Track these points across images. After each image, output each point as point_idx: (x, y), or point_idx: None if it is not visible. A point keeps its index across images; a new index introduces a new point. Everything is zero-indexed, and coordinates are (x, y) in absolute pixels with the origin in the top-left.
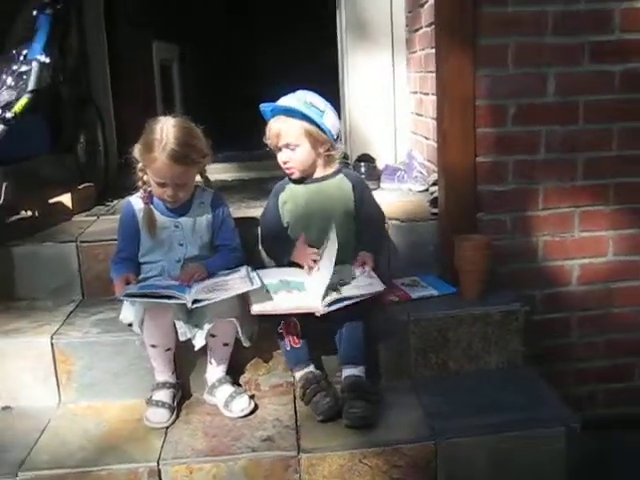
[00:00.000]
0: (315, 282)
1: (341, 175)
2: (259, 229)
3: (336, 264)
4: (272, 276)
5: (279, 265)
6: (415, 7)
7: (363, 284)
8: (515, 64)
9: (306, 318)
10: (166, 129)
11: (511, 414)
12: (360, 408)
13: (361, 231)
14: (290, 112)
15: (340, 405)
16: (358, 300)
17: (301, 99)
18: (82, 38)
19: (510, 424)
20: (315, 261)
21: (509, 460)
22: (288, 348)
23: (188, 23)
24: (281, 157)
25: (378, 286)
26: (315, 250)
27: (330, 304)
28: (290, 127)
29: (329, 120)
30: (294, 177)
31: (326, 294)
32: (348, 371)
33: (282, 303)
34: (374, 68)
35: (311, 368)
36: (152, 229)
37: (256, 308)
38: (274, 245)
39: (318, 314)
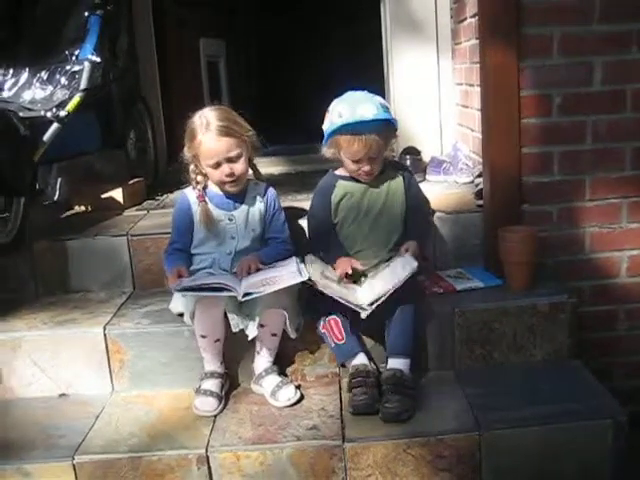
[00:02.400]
0: (366, 288)
1: (391, 167)
2: (307, 227)
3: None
4: (317, 267)
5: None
6: None
7: (398, 269)
8: (560, 53)
9: (348, 312)
10: (204, 114)
11: (556, 406)
12: (395, 403)
13: (407, 220)
14: (376, 124)
15: (376, 403)
16: (398, 286)
17: (376, 104)
18: (132, 37)
19: (555, 416)
20: (347, 275)
21: (554, 452)
22: (333, 345)
23: (234, 18)
24: (363, 168)
25: (409, 266)
26: (355, 262)
27: (372, 304)
28: (377, 143)
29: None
30: (367, 180)
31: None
32: (393, 362)
33: (331, 287)
34: (419, 60)
35: (361, 359)
36: (210, 225)
37: (310, 276)
38: (320, 246)
39: (364, 316)
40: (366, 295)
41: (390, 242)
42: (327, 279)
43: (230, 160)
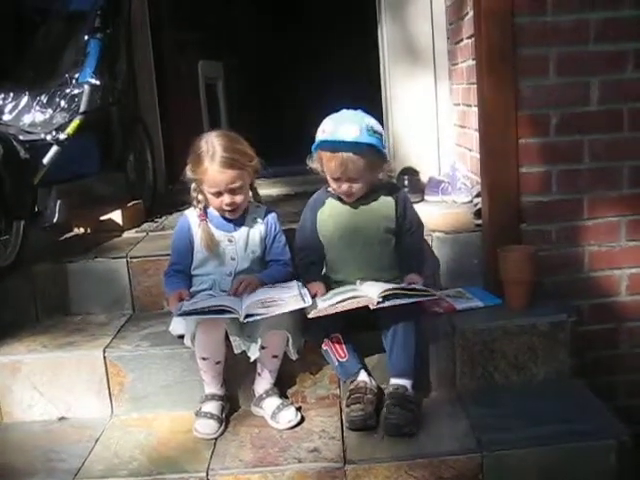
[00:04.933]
0: (371, 287)
1: (384, 189)
2: (295, 242)
3: (376, 280)
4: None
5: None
6: (456, 19)
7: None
8: (557, 73)
9: (350, 330)
10: (211, 141)
11: (559, 426)
12: (396, 415)
13: (403, 248)
14: (357, 146)
15: (373, 419)
16: (412, 301)
17: (362, 125)
18: (131, 60)
19: (558, 436)
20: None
21: (557, 473)
22: (336, 363)
23: (232, 41)
24: (342, 187)
25: (433, 291)
26: (323, 290)
27: (385, 297)
28: (354, 164)
29: (385, 142)
30: (349, 201)
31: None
32: (395, 381)
33: (335, 298)
34: (416, 81)
35: (362, 376)
36: (211, 246)
37: (312, 313)
38: (305, 260)
39: (372, 306)
40: (372, 290)
41: (377, 265)
42: (324, 299)
43: (232, 191)
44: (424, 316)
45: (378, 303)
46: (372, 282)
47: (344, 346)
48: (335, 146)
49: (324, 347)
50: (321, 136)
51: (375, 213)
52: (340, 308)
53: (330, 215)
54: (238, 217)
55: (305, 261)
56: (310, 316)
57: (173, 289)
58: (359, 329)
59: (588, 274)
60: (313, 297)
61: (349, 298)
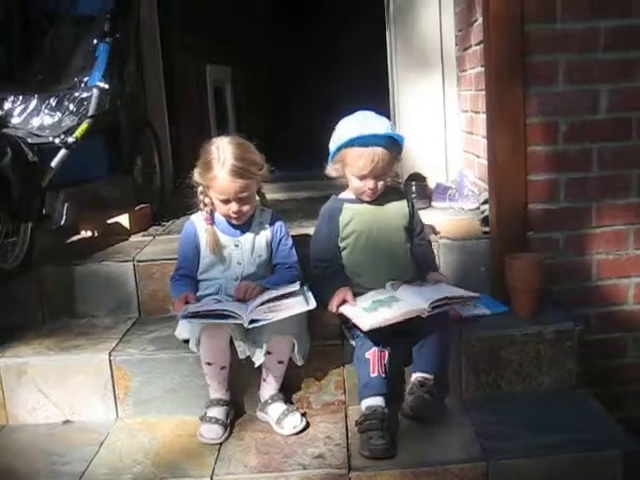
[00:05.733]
0: (414, 295)
1: (392, 192)
2: (310, 253)
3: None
4: (361, 300)
5: (321, 299)
6: (465, 26)
7: (457, 291)
8: (566, 81)
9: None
10: (222, 147)
11: (564, 435)
12: (419, 398)
13: (417, 247)
14: (387, 140)
15: (395, 450)
16: (457, 302)
17: (385, 124)
18: (139, 64)
19: (564, 446)
20: (338, 306)
21: None
22: (369, 375)
23: (240, 45)
24: (367, 185)
25: (472, 292)
26: (351, 295)
27: (434, 304)
28: (383, 160)
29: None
30: (370, 199)
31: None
32: (418, 375)
33: (388, 314)
34: (425, 87)
35: (381, 402)
36: (216, 249)
37: (367, 325)
38: (328, 270)
39: (424, 316)
40: (414, 299)
41: (399, 265)
42: (382, 302)
43: (240, 200)
44: (452, 325)
45: (429, 312)
46: (406, 286)
47: (386, 364)
48: (366, 141)
49: (367, 355)
50: (347, 135)
51: (394, 212)
52: (394, 320)
53: (352, 219)
54: (244, 222)
55: (328, 271)
56: (366, 329)
57: (179, 293)
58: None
59: (595, 282)
60: (342, 304)
61: (400, 312)
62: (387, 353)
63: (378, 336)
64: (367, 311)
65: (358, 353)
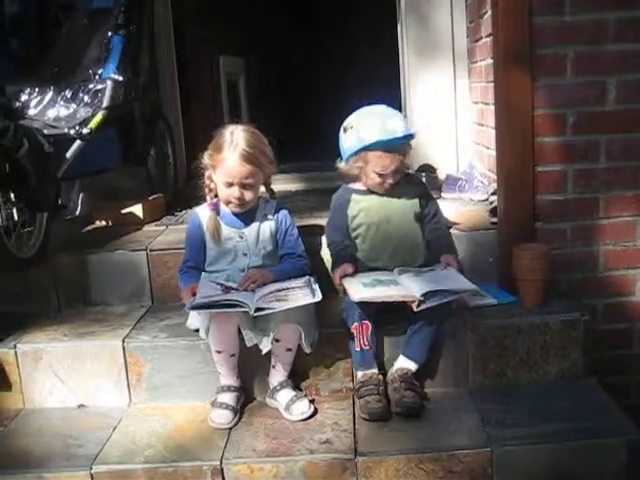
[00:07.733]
0: (413, 282)
1: (404, 178)
2: (326, 238)
3: (404, 266)
4: (364, 277)
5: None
6: (475, 18)
7: (457, 282)
8: (574, 73)
9: (381, 317)
10: (236, 133)
11: (569, 423)
12: (411, 398)
13: (431, 232)
14: (406, 139)
15: (390, 414)
16: (451, 299)
17: (402, 121)
18: (153, 56)
19: (568, 434)
20: (341, 278)
21: (567, 470)
22: (358, 349)
23: (253, 36)
24: (388, 180)
25: (471, 285)
26: (352, 269)
27: (426, 296)
28: (403, 156)
29: None
30: (385, 191)
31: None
32: (403, 362)
33: (381, 292)
34: (436, 79)
35: (374, 370)
36: (216, 235)
37: (356, 296)
38: (340, 246)
39: (415, 306)
40: (413, 287)
41: (411, 251)
42: (381, 282)
43: (243, 185)
44: (450, 310)
45: (420, 302)
46: (411, 274)
47: (371, 335)
48: (389, 144)
49: (352, 330)
50: (370, 137)
51: (404, 200)
52: (385, 299)
53: (360, 211)
54: (248, 213)
55: (338, 249)
56: (355, 299)
57: (187, 284)
58: (388, 316)
59: (602, 273)
60: (346, 275)
61: (394, 293)
62: (369, 325)
63: (361, 310)
64: (365, 286)
65: (347, 326)
